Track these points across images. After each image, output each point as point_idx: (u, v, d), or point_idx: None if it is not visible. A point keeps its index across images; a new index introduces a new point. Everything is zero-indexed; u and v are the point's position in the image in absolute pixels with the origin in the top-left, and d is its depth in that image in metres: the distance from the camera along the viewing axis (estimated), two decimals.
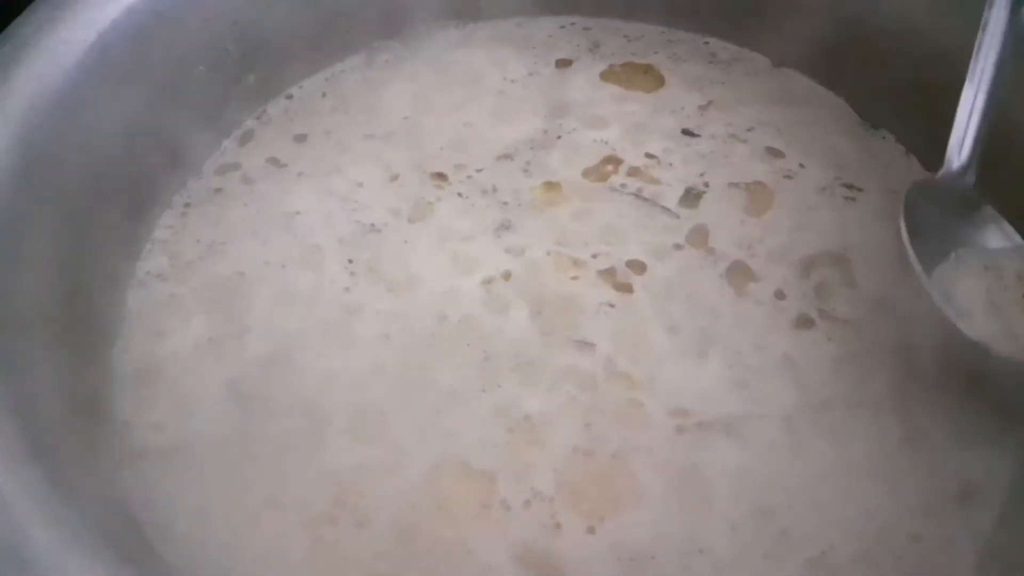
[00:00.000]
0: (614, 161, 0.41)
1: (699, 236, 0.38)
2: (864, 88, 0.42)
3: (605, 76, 0.44)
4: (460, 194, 0.39)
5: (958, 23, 0.37)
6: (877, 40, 0.40)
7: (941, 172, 0.35)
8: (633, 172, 0.40)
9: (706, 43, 0.45)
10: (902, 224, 0.34)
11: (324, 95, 0.43)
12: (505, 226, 0.39)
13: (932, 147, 0.39)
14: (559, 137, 0.41)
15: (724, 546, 0.31)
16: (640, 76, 0.44)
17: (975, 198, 0.35)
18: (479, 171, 0.40)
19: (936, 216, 0.35)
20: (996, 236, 0.35)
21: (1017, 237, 0.34)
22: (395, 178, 0.40)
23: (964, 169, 0.35)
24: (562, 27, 0.46)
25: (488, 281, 0.37)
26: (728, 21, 0.44)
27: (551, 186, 0.40)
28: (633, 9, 0.45)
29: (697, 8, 0.45)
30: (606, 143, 0.41)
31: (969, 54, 0.35)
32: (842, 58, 0.42)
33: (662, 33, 0.45)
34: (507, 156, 0.41)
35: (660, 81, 0.44)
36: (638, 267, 0.37)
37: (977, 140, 0.35)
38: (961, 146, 0.35)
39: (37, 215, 0.32)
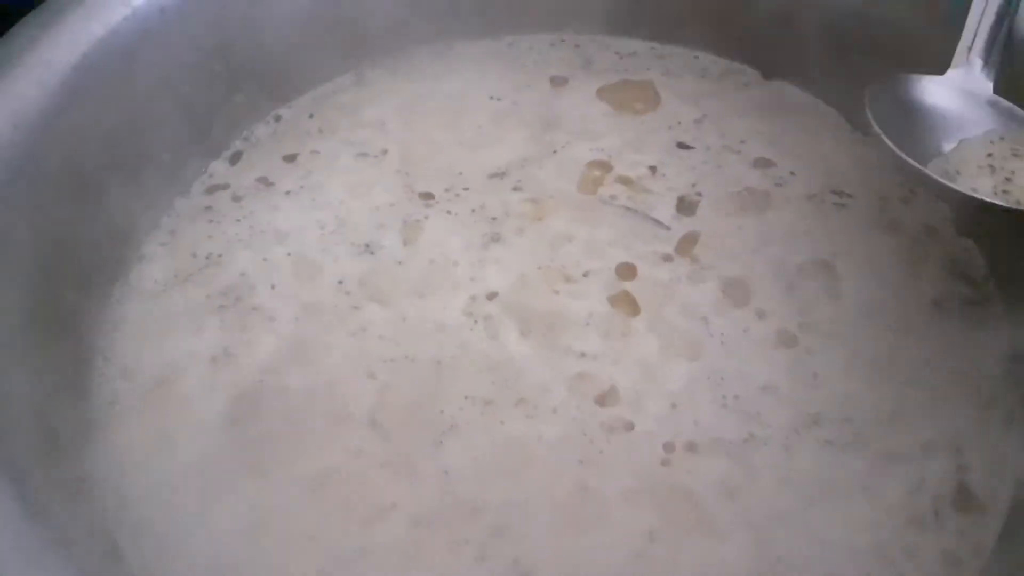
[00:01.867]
0: (606, 171, 0.40)
1: (690, 246, 0.38)
2: (854, 97, 0.41)
3: (601, 93, 0.43)
4: (449, 212, 0.39)
5: (949, 31, 0.36)
6: (866, 49, 0.40)
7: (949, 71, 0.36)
8: (626, 183, 0.40)
9: (696, 57, 0.45)
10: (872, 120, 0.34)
11: (311, 116, 0.43)
12: (495, 240, 0.38)
13: None
14: (555, 152, 0.41)
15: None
16: (636, 93, 0.43)
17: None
18: (466, 189, 0.40)
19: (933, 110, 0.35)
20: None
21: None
22: (384, 199, 0.40)
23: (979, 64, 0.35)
24: (552, 45, 0.46)
25: (478, 300, 0.37)
26: (717, 35, 0.44)
27: (542, 201, 0.39)
28: (623, 25, 0.45)
29: (686, 23, 0.44)
30: (600, 157, 0.41)
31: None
32: (832, 68, 0.41)
33: (652, 49, 0.45)
34: (499, 174, 0.40)
35: (656, 98, 0.43)
36: (630, 279, 0.37)
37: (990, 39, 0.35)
38: (971, 45, 0.35)
39: (16, 234, 0.32)
